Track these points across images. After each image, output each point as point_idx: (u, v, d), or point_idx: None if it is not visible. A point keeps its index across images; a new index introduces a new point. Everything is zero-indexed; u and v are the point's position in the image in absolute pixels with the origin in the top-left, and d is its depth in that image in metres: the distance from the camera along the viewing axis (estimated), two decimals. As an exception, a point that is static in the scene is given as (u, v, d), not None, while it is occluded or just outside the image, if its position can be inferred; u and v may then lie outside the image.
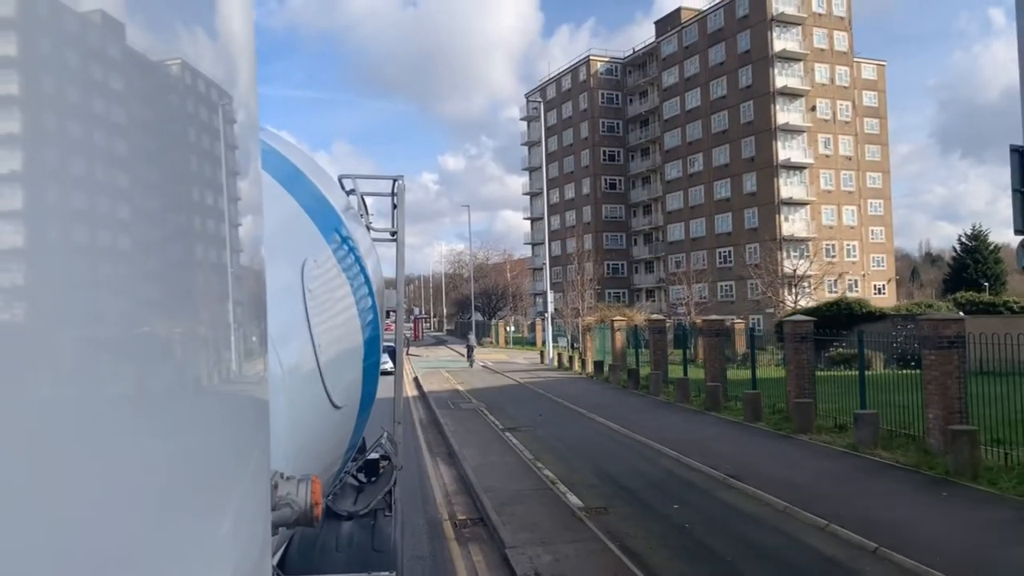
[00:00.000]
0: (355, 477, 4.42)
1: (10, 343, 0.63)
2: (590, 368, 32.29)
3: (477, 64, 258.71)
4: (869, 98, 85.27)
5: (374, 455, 4.53)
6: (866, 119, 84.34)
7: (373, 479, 4.41)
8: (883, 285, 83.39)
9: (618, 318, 31.88)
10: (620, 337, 30.00)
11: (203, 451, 0.90)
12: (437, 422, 19.63)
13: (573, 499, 11.02)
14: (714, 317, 24.94)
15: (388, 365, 5.43)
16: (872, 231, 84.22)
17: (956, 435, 11.47)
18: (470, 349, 42.34)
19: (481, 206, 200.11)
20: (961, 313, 32.06)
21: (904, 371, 15.76)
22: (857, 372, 15.02)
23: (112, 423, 0.75)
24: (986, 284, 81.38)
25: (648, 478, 12.30)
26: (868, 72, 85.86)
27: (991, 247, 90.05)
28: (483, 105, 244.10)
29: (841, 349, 25.92)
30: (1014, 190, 9.25)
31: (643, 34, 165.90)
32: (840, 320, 32.76)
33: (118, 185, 0.76)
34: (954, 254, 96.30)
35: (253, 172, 1.09)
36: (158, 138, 0.82)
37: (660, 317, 28.75)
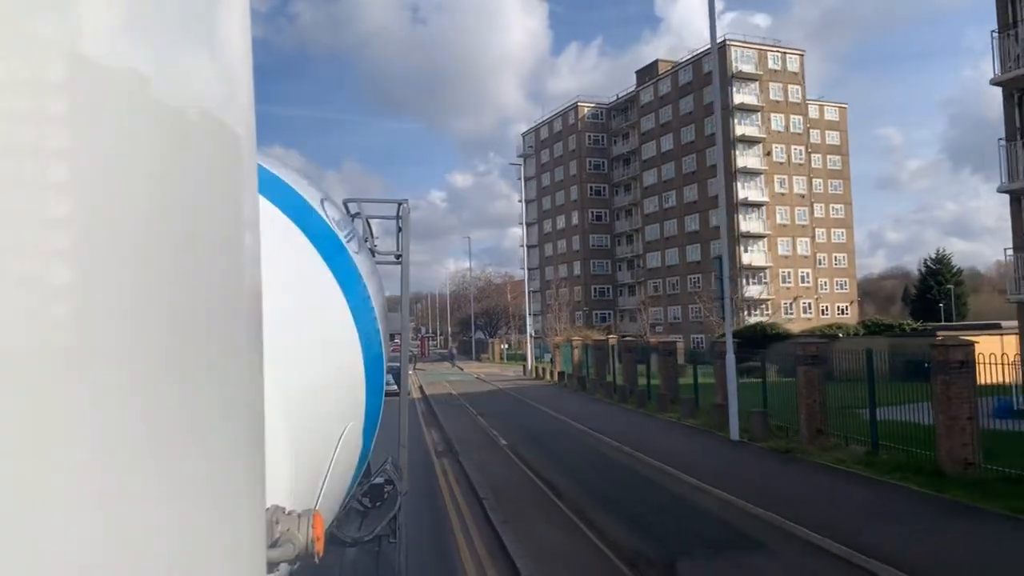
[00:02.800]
0: (360, 502, 4.32)
1: (10, 351, 0.65)
2: (556, 378, 41.44)
3: (486, 82, 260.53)
4: (831, 137, 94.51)
5: (379, 479, 4.41)
6: (829, 156, 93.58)
7: (378, 503, 4.36)
8: (846, 306, 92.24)
9: (576, 338, 41.12)
10: (577, 353, 39.12)
11: (192, 478, 0.88)
12: (434, 412, 28.75)
13: (502, 441, 20.12)
14: (629, 337, 34.14)
15: (393, 387, 5.34)
16: (836, 257, 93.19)
17: (716, 406, 20.57)
18: (452, 356, 63.47)
19: (489, 223, 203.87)
20: (840, 334, 41.07)
21: (789, 379, 23.13)
22: (759, 379, 24.07)
23: (103, 439, 0.74)
24: (940, 305, 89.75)
25: (550, 433, 21.40)
26: (831, 114, 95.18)
27: (953, 270, 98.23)
28: (492, 122, 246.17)
29: (749, 363, 34.96)
30: (717, 297, 18.30)
31: (650, 52, 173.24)
32: (756, 340, 41.35)
33: (118, 210, 0.77)
34: (919, 276, 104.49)
35: (250, 194, 1.09)
36: (156, 164, 0.82)
37: (603, 337, 37.88)
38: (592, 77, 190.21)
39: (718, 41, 75.14)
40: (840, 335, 40.02)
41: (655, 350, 30.38)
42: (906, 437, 14.83)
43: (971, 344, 12.78)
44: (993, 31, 21.86)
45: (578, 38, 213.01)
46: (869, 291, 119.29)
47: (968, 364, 12.76)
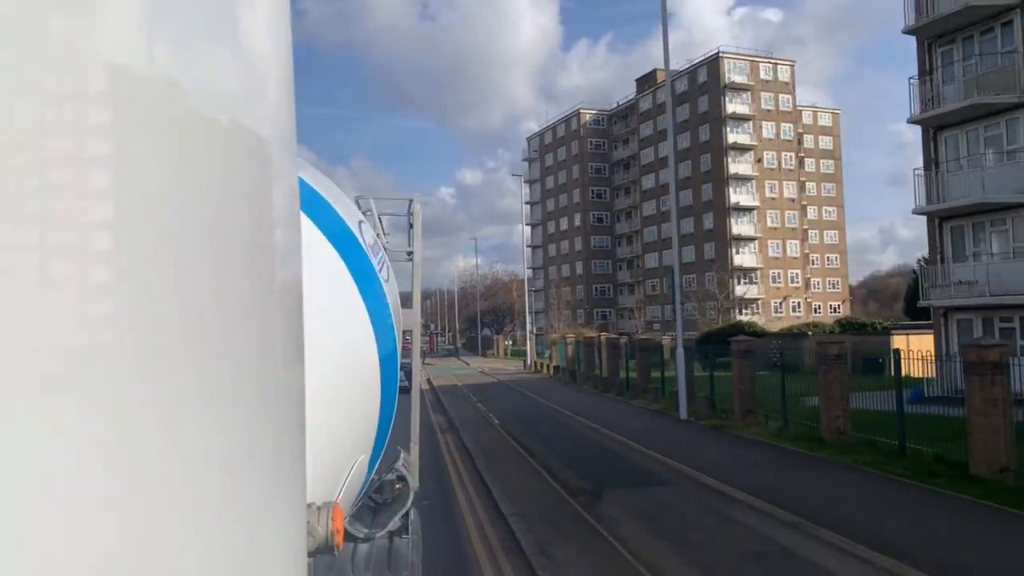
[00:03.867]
0: (372, 499, 4.41)
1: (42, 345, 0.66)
2: (552, 371, 45.61)
3: (495, 78, 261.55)
4: (824, 142, 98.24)
5: (390, 475, 4.49)
6: (822, 160, 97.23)
7: (389, 499, 4.41)
8: (838, 305, 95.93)
9: (570, 335, 45.28)
10: (571, 349, 43.29)
11: (239, 476, 0.89)
12: (440, 400, 33.03)
13: (496, 422, 24.32)
14: (613, 335, 38.30)
15: (404, 383, 5.11)
16: (828, 258, 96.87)
17: (674, 393, 24.70)
18: (458, 352, 71.90)
19: (498, 220, 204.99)
20: (810, 333, 44.98)
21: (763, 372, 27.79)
22: (729, 372, 28.21)
23: (150, 434, 0.75)
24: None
25: (536, 415, 25.60)
26: (824, 119, 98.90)
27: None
28: (501, 118, 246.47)
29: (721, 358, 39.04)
30: (671, 302, 22.36)
31: (659, 48, 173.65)
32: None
33: (148, 212, 0.77)
34: (913, 275, 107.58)
35: (289, 188, 1.09)
36: (182, 166, 0.83)
37: (593, 335, 42.04)
38: (602, 74, 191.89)
39: (712, 52, 78.96)
40: (810, 333, 43.97)
41: (636, 346, 34.54)
42: (810, 415, 18.90)
43: (843, 342, 16.88)
44: (911, 77, 25.84)
45: (588, 34, 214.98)
46: (875, 288, 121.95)
47: (842, 357, 16.86)
